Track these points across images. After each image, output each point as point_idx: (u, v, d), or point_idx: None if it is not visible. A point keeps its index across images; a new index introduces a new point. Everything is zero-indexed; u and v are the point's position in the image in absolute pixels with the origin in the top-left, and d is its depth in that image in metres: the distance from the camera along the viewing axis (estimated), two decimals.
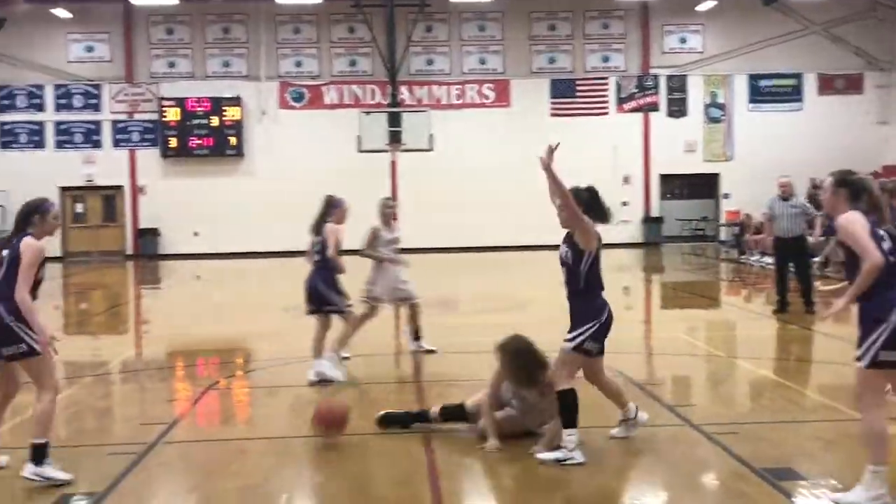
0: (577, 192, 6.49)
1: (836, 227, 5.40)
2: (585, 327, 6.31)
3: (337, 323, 9.76)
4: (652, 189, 32.52)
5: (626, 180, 32.07)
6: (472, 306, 16.32)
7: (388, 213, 10.45)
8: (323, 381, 9.10)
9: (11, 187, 30.62)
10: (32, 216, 6.08)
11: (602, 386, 6.77)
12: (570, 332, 6.36)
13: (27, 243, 5.93)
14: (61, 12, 30.62)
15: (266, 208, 30.74)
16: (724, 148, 32.43)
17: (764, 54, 32.27)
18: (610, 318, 6.39)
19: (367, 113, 27.91)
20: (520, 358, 6.77)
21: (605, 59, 32.38)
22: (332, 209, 9.37)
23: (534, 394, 6.77)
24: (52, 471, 5.93)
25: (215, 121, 30.96)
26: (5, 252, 5.97)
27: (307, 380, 9.21)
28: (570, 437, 6.14)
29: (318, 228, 9.34)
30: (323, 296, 9.28)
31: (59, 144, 31.42)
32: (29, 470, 5.92)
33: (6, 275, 5.85)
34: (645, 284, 21.22)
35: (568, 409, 6.25)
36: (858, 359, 5.20)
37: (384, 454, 6.59)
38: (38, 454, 5.89)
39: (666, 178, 32.55)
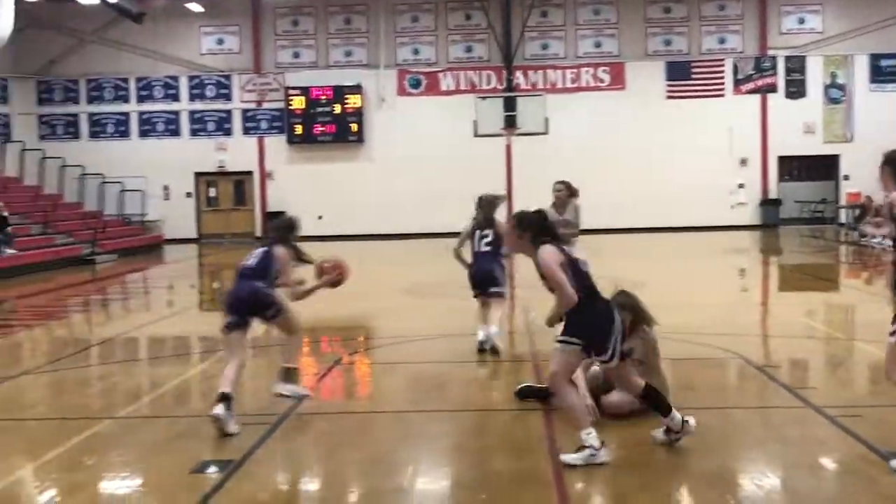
0: (522, 217, 5.85)
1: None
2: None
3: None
4: (770, 171, 31.63)
5: (743, 162, 31.34)
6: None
7: (559, 196, 10.68)
8: (486, 348, 9.56)
9: (150, 173, 31.96)
10: (291, 232, 7.44)
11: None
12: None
13: (280, 253, 7.23)
14: (195, 6, 31.57)
15: (384, 192, 31.14)
16: (845, 129, 31.26)
17: (886, 34, 30.95)
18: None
19: (483, 98, 27.86)
20: (637, 301, 6.84)
21: (722, 41, 31.58)
22: (498, 207, 10.21)
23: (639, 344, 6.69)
24: (299, 388, 7.36)
25: (337, 108, 31.44)
26: (261, 249, 7.38)
27: (477, 341, 9.58)
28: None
29: (489, 223, 9.99)
30: (497, 279, 9.93)
31: (194, 132, 32.42)
32: (281, 388, 7.26)
33: (259, 264, 7.22)
34: (762, 267, 20.67)
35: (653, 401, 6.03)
36: None
37: (504, 428, 6.62)
38: (290, 376, 7.31)
39: (784, 160, 31.62)
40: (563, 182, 10.84)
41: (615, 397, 6.72)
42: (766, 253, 23.88)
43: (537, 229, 5.84)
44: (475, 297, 10.06)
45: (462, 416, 7.09)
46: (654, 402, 6.05)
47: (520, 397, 7.37)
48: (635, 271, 16.55)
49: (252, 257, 7.32)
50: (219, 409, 6.55)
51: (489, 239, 10.03)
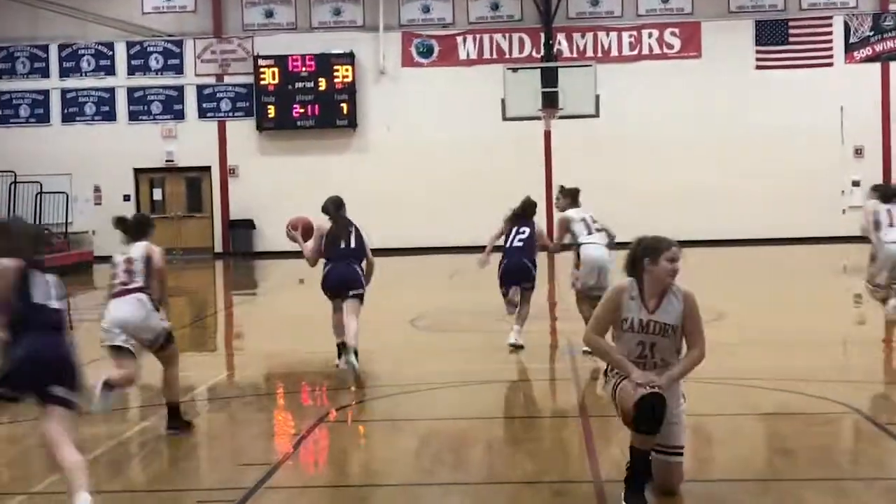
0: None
1: None
2: None
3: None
4: (894, 164, 31.50)
5: (858, 153, 31.22)
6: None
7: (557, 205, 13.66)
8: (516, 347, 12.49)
9: (76, 170, 31.97)
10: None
11: None
12: None
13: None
14: None
15: (384, 194, 31.08)
16: None
17: None
18: None
19: (514, 70, 27.86)
20: None
21: None
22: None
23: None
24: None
25: (323, 84, 31.57)
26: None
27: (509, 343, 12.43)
28: None
29: (523, 222, 13.20)
30: (531, 273, 13.06)
31: (133, 116, 32.55)
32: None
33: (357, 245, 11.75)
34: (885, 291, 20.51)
35: None
36: None
37: None
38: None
39: None
40: (561, 189, 13.62)
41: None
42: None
43: None
44: (504, 294, 13.06)
45: (486, 490, 7.07)
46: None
47: None
48: (713, 296, 16.43)
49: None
50: None
51: (525, 235, 13.05)
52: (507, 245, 13.10)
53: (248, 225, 32.10)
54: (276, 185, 31.53)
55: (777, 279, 22.36)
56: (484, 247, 13.45)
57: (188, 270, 28.26)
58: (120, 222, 9.00)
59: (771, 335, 13.55)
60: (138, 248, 8.73)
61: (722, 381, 9.89)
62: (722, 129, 30.87)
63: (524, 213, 13.32)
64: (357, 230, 12.01)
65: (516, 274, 12.98)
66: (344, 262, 11.78)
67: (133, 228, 8.91)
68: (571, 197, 13.13)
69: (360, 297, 11.81)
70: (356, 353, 11.19)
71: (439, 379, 11.08)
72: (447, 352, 13.25)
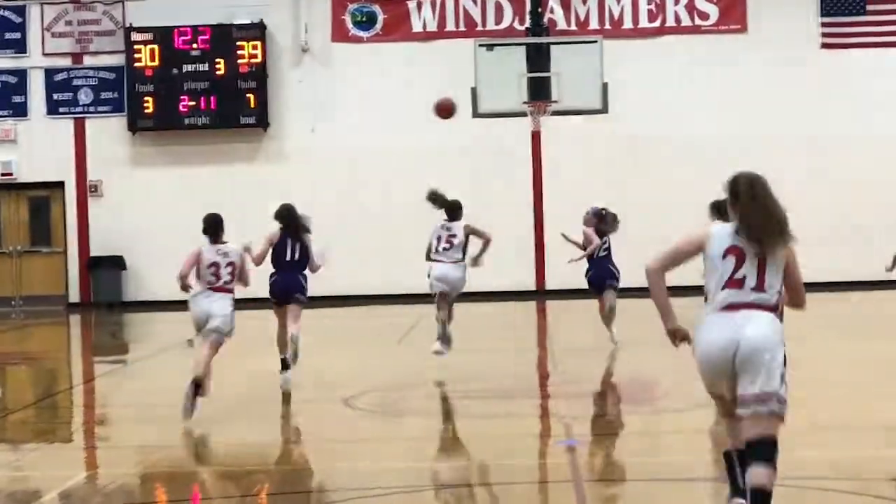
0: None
1: None
2: None
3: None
4: None
5: None
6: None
7: None
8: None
9: None
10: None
11: None
12: None
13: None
14: None
15: (311, 215, 31.12)
16: None
17: None
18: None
19: (489, 48, 27.95)
20: None
21: None
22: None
23: None
24: None
25: (222, 66, 31.72)
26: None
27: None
28: None
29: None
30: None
31: None
32: None
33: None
34: None
35: None
36: None
37: None
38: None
39: None
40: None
41: None
42: None
43: None
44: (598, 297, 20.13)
45: None
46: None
47: None
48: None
49: None
50: None
51: (607, 245, 20.33)
52: (597, 256, 20.59)
53: (116, 263, 31.86)
54: (155, 207, 31.44)
55: (844, 338, 22.42)
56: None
57: (32, 327, 28.11)
58: None
59: (840, 414, 13.70)
60: None
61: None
62: (775, 129, 31.02)
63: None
64: (302, 242, 16.90)
65: (604, 280, 20.46)
66: (289, 272, 16.67)
67: None
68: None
69: (302, 303, 16.69)
70: (296, 353, 16.11)
71: (384, 482, 11.07)
72: (394, 442, 13.24)
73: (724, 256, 7.90)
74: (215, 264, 14.66)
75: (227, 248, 14.94)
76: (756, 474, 7.67)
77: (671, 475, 10.97)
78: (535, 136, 30.24)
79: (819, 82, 31.12)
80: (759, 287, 7.87)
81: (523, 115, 27.54)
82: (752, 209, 8.00)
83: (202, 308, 14.45)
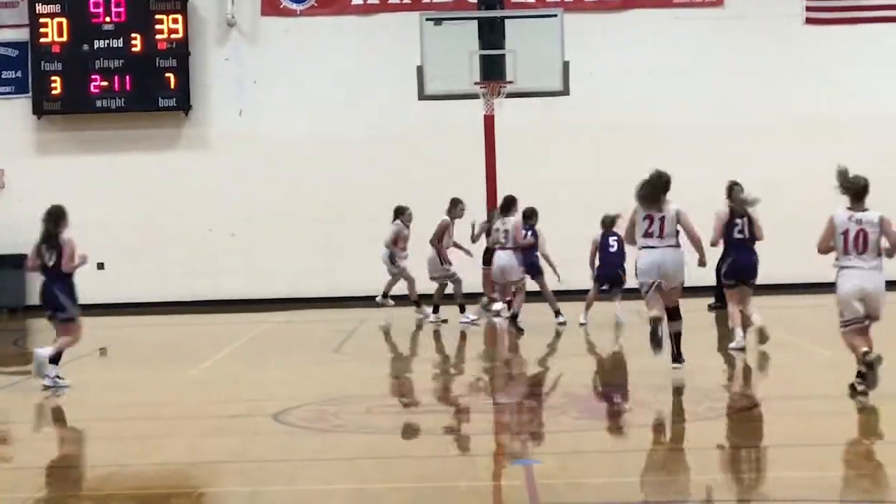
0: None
1: None
2: None
3: None
4: None
5: None
6: None
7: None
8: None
9: None
10: None
11: None
12: None
13: None
14: None
15: (236, 213, 31.03)
16: None
17: None
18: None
19: (437, 22, 27.92)
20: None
21: None
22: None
23: None
24: None
25: (138, 42, 31.66)
26: None
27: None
28: None
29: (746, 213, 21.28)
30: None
31: None
32: None
33: None
34: None
35: None
36: None
37: None
38: None
39: None
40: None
41: None
42: None
43: None
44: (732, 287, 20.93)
45: None
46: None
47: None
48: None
49: None
50: None
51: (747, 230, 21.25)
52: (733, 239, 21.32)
53: (19, 264, 31.64)
54: (63, 200, 31.03)
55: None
56: None
57: None
58: None
59: None
60: None
61: None
62: (755, 113, 31.17)
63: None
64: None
65: (745, 273, 21.10)
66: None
67: None
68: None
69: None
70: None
71: None
72: (331, 462, 13.13)
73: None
74: None
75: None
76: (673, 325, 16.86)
77: (638, 497, 11.01)
78: (489, 121, 30.12)
79: (803, 63, 31.25)
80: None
81: (475, 97, 27.55)
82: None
83: None
